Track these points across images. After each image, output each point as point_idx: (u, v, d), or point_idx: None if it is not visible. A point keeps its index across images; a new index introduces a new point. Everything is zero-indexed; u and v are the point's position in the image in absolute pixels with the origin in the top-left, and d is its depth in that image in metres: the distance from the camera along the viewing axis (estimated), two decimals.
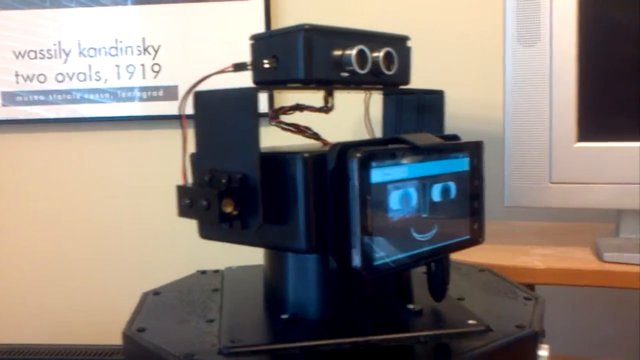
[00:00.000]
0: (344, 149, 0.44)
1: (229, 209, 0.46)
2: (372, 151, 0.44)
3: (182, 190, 0.48)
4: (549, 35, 0.78)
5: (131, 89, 1.20)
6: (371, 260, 0.44)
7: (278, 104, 1.06)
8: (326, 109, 0.53)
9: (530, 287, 0.90)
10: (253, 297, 0.57)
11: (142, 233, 1.26)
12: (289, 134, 0.54)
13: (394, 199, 0.45)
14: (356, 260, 0.44)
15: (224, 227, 0.47)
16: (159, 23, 1.18)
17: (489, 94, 1.04)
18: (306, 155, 0.45)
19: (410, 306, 0.53)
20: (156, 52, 1.19)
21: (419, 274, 0.54)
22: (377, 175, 0.44)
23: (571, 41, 0.78)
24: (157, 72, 1.19)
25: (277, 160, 0.46)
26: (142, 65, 1.19)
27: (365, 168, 0.43)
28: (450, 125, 1.10)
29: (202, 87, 0.49)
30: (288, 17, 1.15)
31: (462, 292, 0.59)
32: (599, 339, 1.18)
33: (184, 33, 1.18)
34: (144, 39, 1.19)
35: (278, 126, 0.52)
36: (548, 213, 0.91)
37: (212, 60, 1.13)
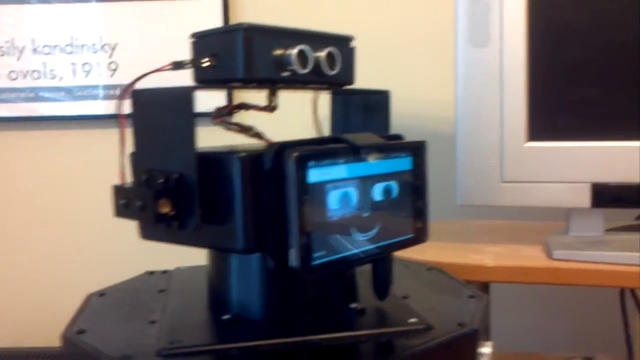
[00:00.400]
0: (281, 149, 0.44)
1: (165, 209, 0.45)
2: (309, 151, 0.44)
3: (118, 190, 0.47)
4: (499, 36, 0.79)
5: (87, 87, 1.18)
6: (309, 259, 0.44)
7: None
8: (270, 108, 0.53)
9: (484, 285, 0.91)
10: (197, 298, 0.57)
11: (98, 233, 1.24)
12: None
13: (333, 199, 0.45)
14: (293, 259, 0.43)
15: (162, 227, 0.47)
16: (116, 21, 1.17)
17: (441, 94, 1.05)
18: (243, 154, 0.44)
19: (354, 305, 0.53)
20: (113, 50, 1.17)
21: (365, 271, 0.54)
22: (315, 174, 0.44)
23: (521, 42, 0.79)
24: (114, 70, 1.18)
25: (215, 160, 0.45)
26: (99, 63, 1.18)
27: (302, 168, 0.43)
28: (403, 124, 1.11)
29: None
30: (247, 15, 1.15)
31: (408, 291, 0.59)
32: (553, 335, 1.20)
33: (141, 31, 1.16)
34: (100, 36, 1.18)
35: (221, 125, 0.52)
36: (503, 211, 0.92)
37: (169, 58, 1.12)
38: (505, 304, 1.12)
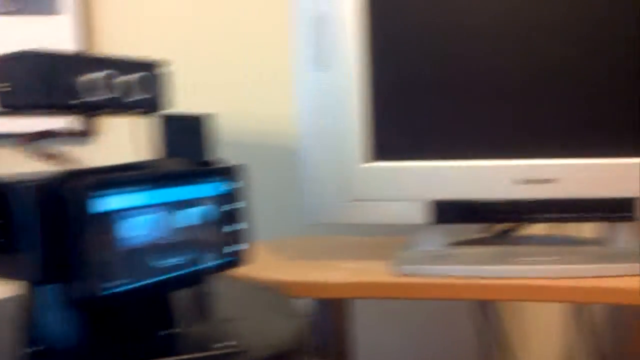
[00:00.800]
0: (70, 177, 0.43)
1: None
2: (98, 179, 0.43)
3: None
4: (340, 59, 0.82)
5: None
6: (100, 289, 0.43)
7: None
8: (80, 133, 0.52)
9: (337, 301, 0.93)
10: (13, 330, 0.55)
11: None
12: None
13: (128, 227, 0.45)
14: (83, 289, 0.43)
15: None
16: None
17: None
18: (33, 183, 0.43)
19: (170, 330, 0.53)
20: None
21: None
22: (105, 203, 0.44)
23: (362, 65, 0.82)
24: None
25: (6, 189, 0.44)
26: None
27: (89, 197, 0.43)
28: (255, 146, 1.12)
29: None
30: (108, 33, 1.13)
31: (235, 312, 0.60)
32: (415, 347, 1.24)
33: None
34: None
35: (27, 152, 0.50)
36: (353, 227, 0.95)
37: None
38: (369, 319, 1.15)
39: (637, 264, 0.77)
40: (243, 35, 1.15)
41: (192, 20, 1.15)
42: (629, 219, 0.82)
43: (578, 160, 0.82)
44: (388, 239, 0.98)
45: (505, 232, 0.92)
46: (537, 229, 0.94)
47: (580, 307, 1.13)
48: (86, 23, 1.12)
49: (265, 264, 0.86)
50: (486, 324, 1.13)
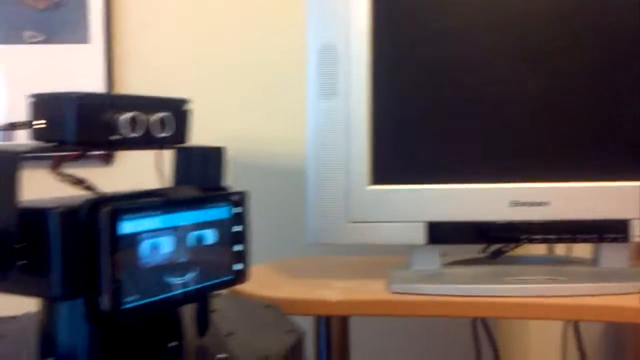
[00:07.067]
0: (95, 203, 0.49)
1: None
2: (120, 205, 0.50)
3: None
4: (346, 88, 0.88)
5: None
6: (120, 304, 0.49)
7: None
8: (105, 162, 0.58)
9: (334, 318, 0.98)
10: (31, 344, 0.59)
11: None
12: None
13: (145, 247, 0.51)
14: (105, 304, 0.49)
15: None
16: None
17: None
18: (59, 209, 0.50)
19: (173, 343, 0.59)
20: None
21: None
22: (126, 226, 0.50)
23: (366, 94, 0.88)
24: None
25: (36, 214, 0.50)
26: None
27: (113, 221, 0.49)
28: (263, 171, 1.18)
29: None
30: (129, 62, 1.20)
31: (235, 328, 0.65)
32: None
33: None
34: None
35: (58, 176, 0.57)
36: (355, 248, 1.00)
37: None
38: (367, 335, 1.19)
39: (634, 283, 0.82)
40: (260, 65, 1.23)
41: (210, 49, 1.23)
42: (623, 240, 0.87)
43: (572, 184, 0.87)
44: (390, 258, 1.02)
45: (499, 252, 0.96)
46: (532, 249, 0.99)
47: (578, 325, 1.17)
48: (113, 53, 1.19)
49: (266, 282, 0.92)
50: (484, 341, 1.18)
